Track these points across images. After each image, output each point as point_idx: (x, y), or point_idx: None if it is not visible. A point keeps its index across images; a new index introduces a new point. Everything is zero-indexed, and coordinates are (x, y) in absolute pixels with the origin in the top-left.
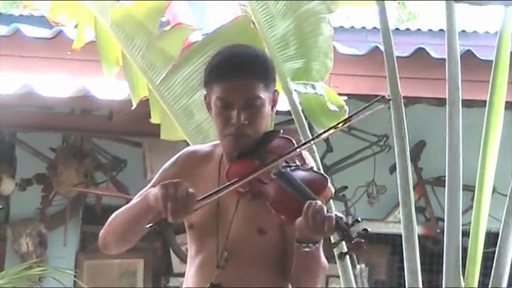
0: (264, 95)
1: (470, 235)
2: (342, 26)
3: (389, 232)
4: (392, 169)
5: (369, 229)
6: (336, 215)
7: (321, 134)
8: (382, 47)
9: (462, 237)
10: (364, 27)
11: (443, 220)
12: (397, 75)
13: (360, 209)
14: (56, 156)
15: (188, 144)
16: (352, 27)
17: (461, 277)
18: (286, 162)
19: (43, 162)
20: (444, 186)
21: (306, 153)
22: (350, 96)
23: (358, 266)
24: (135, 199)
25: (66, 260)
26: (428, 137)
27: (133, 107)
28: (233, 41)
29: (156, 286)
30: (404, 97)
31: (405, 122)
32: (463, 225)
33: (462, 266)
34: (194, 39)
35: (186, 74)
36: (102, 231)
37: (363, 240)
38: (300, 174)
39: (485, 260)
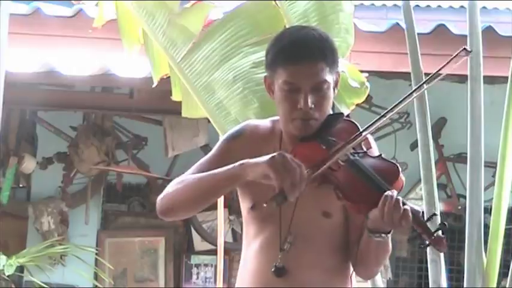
0: (330, 78)
1: (492, 212)
2: (362, 4)
3: None
4: (413, 146)
5: (447, 224)
6: (412, 209)
7: (394, 107)
8: (402, 24)
9: (484, 214)
10: (384, 5)
11: (464, 197)
12: (419, 52)
13: None
14: (77, 135)
15: (209, 122)
16: (373, 4)
17: (483, 253)
18: (354, 148)
19: (64, 141)
20: (465, 163)
21: (371, 138)
22: (371, 73)
23: None
24: (192, 169)
25: (87, 238)
26: (449, 114)
27: (154, 85)
28: (254, 18)
29: (178, 264)
30: (425, 74)
31: (427, 99)
32: (484, 201)
33: (484, 243)
34: (215, 16)
35: (207, 51)
36: (164, 195)
37: (443, 236)
38: (370, 161)
39: (507, 237)
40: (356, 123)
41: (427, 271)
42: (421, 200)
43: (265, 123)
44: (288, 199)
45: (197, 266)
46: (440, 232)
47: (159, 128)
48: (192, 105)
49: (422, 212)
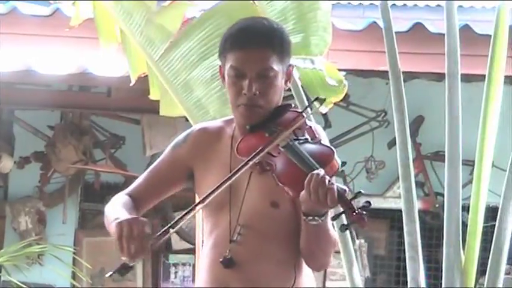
0: (278, 67)
1: (470, 209)
2: (339, 2)
3: (388, 207)
4: (391, 144)
5: (371, 202)
6: (338, 186)
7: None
8: (380, 23)
9: (462, 212)
10: (361, 4)
11: (441, 195)
12: (396, 50)
13: (358, 184)
14: (54, 134)
15: (187, 120)
16: (349, 3)
17: (462, 251)
18: (296, 136)
19: (41, 140)
20: (443, 161)
21: (317, 127)
22: (349, 71)
23: (357, 241)
24: (141, 178)
25: (65, 238)
26: (426, 112)
27: (132, 84)
28: (232, 17)
29: (156, 263)
30: (402, 72)
31: (404, 97)
32: (462, 199)
33: (462, 241)
34: (193, 15)
35: (185, 49)
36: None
37: (364, 213)
38: (307, 146)
39: (485, 234)
40: (303, 113)
41: (405, 269)
42: (399, 198)
43: (216, 123)
44: (130, 270)
45: (175, 265)
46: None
47: (136, 126)
48: (170, 104)
49: (345, 191)
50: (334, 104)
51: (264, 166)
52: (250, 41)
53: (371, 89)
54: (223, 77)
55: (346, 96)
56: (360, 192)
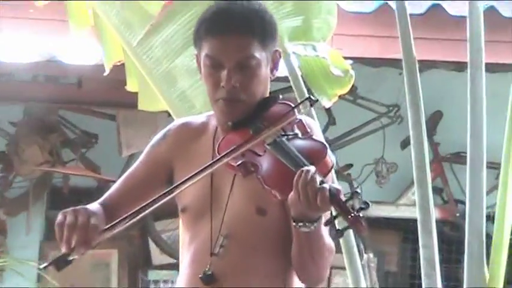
0: (260, 55)
1: (495, 219)
2: None
3: (401, 216)
4: (405, 144)
5: (370, 203)
6: (330, 185)
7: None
8: (392, 4)
9: (486, 222)
10: None
11: (463, 202)
12: (411, 35)
13: (367, 190)
14: (16, 131)
15: (170, 116)
16: None
17: (485, 267)
18: (284, 131)
19: (2, 138)
20: (464, 163)
21: (309, 121)
22: (356, 59)
23: (365, 256)
24: (116, 184)
25: (29, 250)
26: (445, 107)
27: (106, 73)
28: None
29: (133, 279)
30: (418, 61)
31: (420, 89)
32: (486, 207)
33: (486, 255)
34: None
35: (168, 34)
36: None
37: (360, 215)
38: (296, 142)
39: None
40: (292, 105)
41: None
42: (413, 205)
43: (199, 118)
44: (70, 263)
45: (155, 282)
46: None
47: (111, 123)
48: (150, 97)
49: (339, 190)
50: (339, 97)
51: (248, 167)
52: (226, 27)
53: (382, 80)
54: (199, 68)
55: (353, 88)
56: (356, 192)
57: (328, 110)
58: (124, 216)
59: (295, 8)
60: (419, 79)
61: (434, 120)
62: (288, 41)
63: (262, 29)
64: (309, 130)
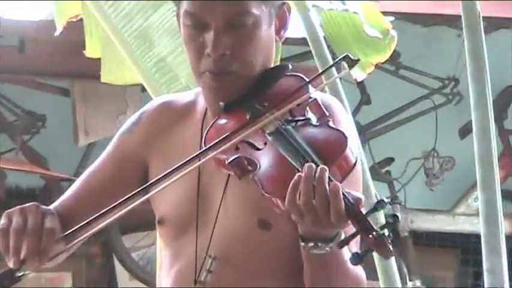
0: (259, 10)
1: None
2: None
3: (459, 230)
4: (465, 132)
5: (399, 215)
6: (347, 192)
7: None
8: None
9: None
10: None
11: None
12: None
13: (413, 193)
14: None
15: (144, 91)
16: None
17: None
18: (293, 115)
19: None
20: None
21: (329, 100)
22: (400, 15)
23: (410, 283)
24: (75, 184)
25: None
26: None
27: (57, 33)
28: None
29: None
30: (483, 18)
31: (486, 57)
32: None
33: None
34: None
35: None
36: None
37: (386, 233)
38: (306, 131)
39: None
40: (305, 78)
41: None
42: (475, 215)
43: (185, 96)
44: (17, 278)
45: None
46: (386, 231)
47: (64, 100)
48: (117, 66)
49: (359, 200)
50: (376, 66)
51: (244, 165)
52: None
53: (434, 45)
54: (180, 30)
55: (395, 55)
56: (382, 200)
57: (360, 85)
58: (88, 219)
59: None
60: (484, 43)
61: (505, 98)
62: None
63: None
64: (327, 113)
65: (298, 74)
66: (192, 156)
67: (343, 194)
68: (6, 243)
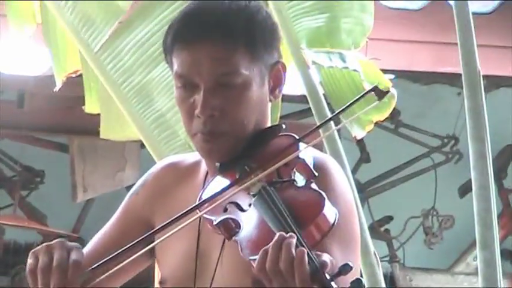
0: (248, 69)
1: None
2: None
3: None
4: (464, 190)
5: (363, 280)
6: (313, 257)
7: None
8: None
9: None
10: None
11: None
12: (474, 42)
13: (412, 252)
14: None
15: (143, 147)
16: None
17: None
18: (280, 176)
19: None
20: None
21: (322, 160)
22: (399, 73)
23: None
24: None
25: None
26: None
27: (56, 89)
28: None
29: None
30: (484, 76)
31: (486, 116)
32: None
33: None
34: None
35: (142, 35)
36: None
37: None
38: (288, 194)
39: None
40: (295, 137)
41: None
42: (474, 274)
43: (191, 157)
44: None
45: None
46: None
47: (63, 156)
48: (116, 121)
49: (325, 263)
50: (376, 124)
51: (232, 227)
52: (197, 31)
53: (434, 103)
54: None
55: (395, 113)
56: (347, 265)
57: (360, 143)
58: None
59: (318, 3)
60: (484, 101)
61: (504, 157)
62: (307, 48)
63: (249, 33)
64: (315, 173)
65: (290, 134)
66: (176, 216)
67: (310, 258)
68: (35, 283)
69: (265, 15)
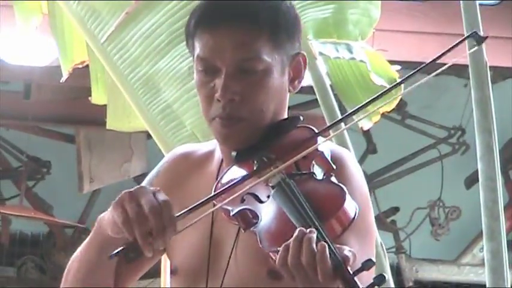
0: (270, 57)
1: None
2: None
3: (465, 281)
4: (471, 181)
5: (385, 276)
6: (335, 251)
7: (353, 112)
8: None
9: None
10: None
11: None
12: (481, 33)
13: (419, 243)
14: None
15: (150, 137)
16: None
17: None
18: (298, 168)
19: None
20: None
21: (339, 152)
22: (406, 64)
23: None
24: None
25: None
26: None
27: (63, 79)
28: None
29: None
30: (491, 67)
31: (493, 107)
32: None
33: None
34: None
35: (148, 27)
36: (68, 269)
37: None
38: (308, 186)
39: None
40: (315, 130)
41: None
42: (481, 265)
43: (204, 146)
44: (142, 254)
45: None
46: None
47: (69, 146)
48: (122, 112)
49: (347, 258)
50: (383, 115)
51: (249, 219)
52: (221, 16)
53: (441, 94)
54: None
55: (402, 104)
56: (370, 260)
57: (367, 134)
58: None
59: None
60: (491, 93)
61: (511, 148)
62: (314, 39)
63: (273, 21)
64: (333, 167)
65: (308, 126)
66: (192, 205)
67: (332, 252)
68: (131, 233)
69: (289, 5)
